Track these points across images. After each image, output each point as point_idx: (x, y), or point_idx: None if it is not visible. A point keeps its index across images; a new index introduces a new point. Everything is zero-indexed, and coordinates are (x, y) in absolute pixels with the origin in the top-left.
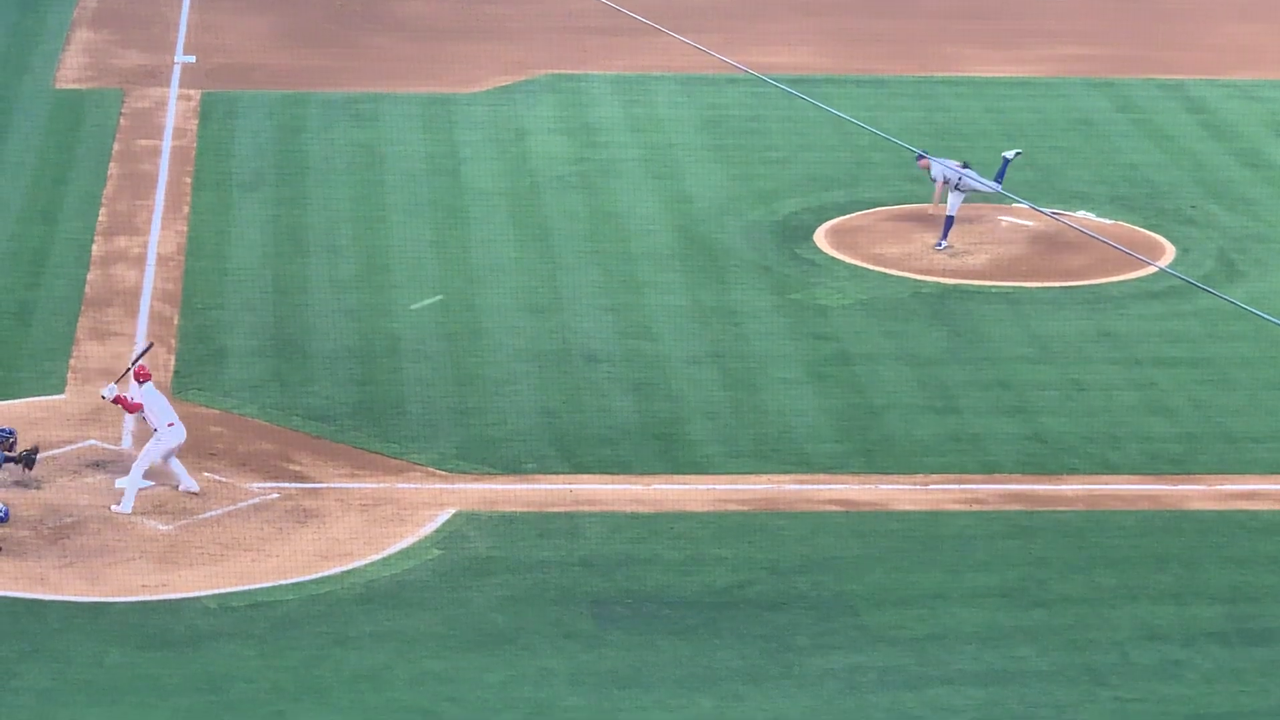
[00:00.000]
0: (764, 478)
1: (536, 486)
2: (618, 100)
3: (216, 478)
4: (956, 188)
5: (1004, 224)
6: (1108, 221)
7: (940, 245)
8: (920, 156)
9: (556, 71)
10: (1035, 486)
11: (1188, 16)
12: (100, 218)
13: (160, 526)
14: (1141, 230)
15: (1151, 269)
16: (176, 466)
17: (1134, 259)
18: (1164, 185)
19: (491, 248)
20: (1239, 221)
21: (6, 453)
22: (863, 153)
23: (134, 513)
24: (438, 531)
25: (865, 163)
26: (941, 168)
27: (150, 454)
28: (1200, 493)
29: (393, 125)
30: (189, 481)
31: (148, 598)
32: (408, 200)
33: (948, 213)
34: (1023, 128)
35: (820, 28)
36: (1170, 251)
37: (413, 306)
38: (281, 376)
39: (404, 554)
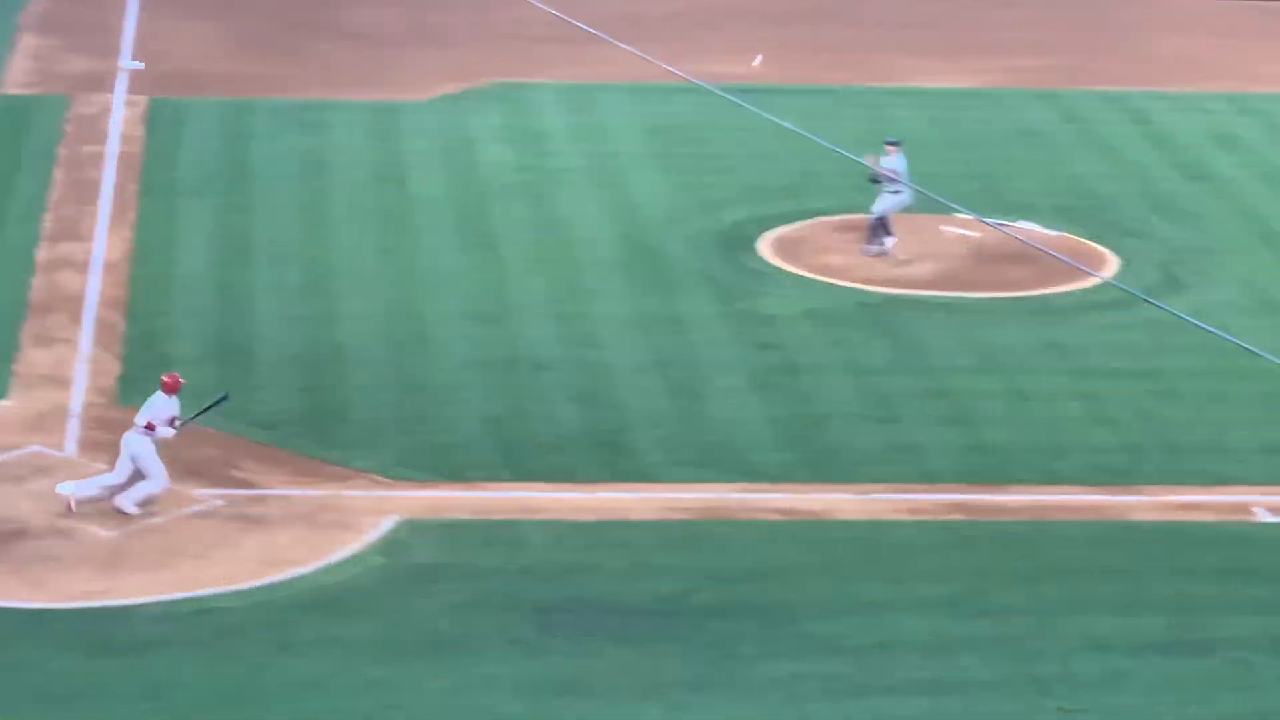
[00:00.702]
0: (708, 486)
1: (481, 494)
2: (564, 109)
3: None
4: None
5: (947, 234)
6: (1052, 232)
7: (877, 247)
8: (890, 143)
9: (504, 80)
10: (978, 497)
11: (1132, 28)
12: (45, 223)
13: (104, 532)
14: (1086, 241)
15: (1095, 280)
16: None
17: (1078, 270)
18: (1108, 197)
19: (438, 256)
20: (1182, 233)
21: None
22: (808, 162)
23: (78, 519)
24: (382, 539)
25: (810, 172)
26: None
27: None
28: (1144, 504)
29: (340, 133)
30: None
31: (91, 604)
32: (354, 208)
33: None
34: (967, 138)
35: (766, 38)
36: (1114, 263)
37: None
38: (227, 383)
39: (348, 561)
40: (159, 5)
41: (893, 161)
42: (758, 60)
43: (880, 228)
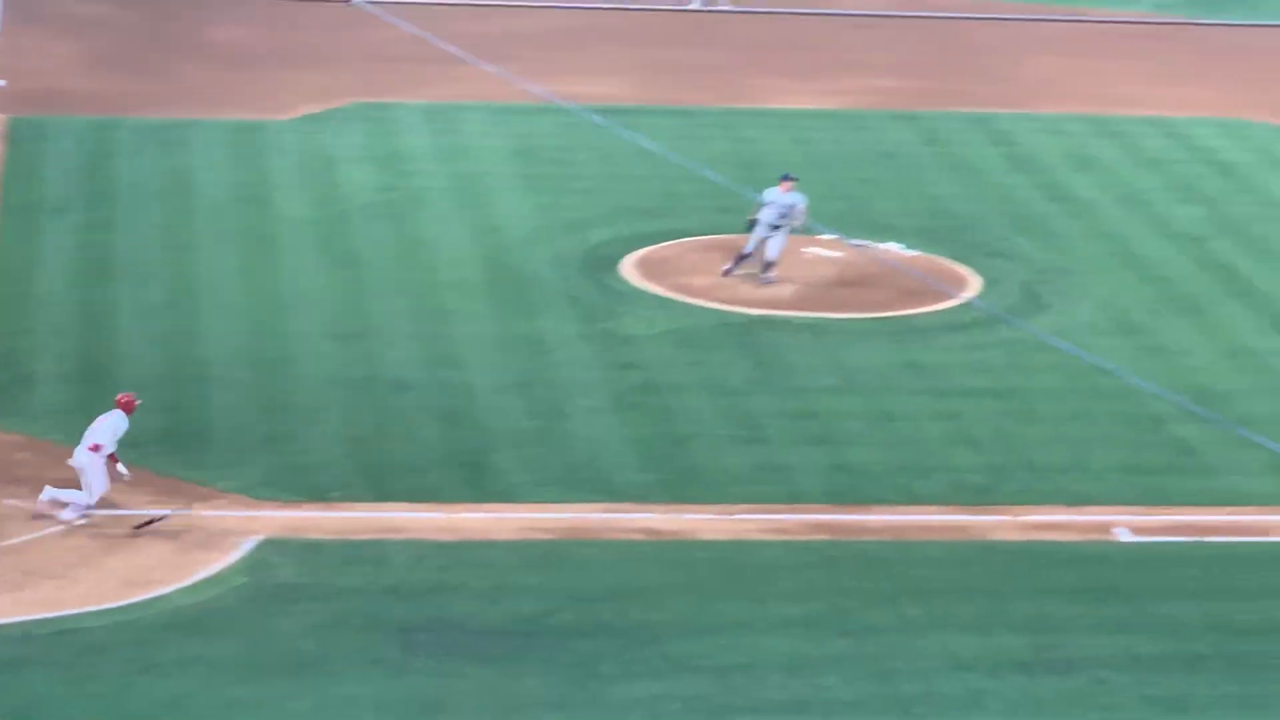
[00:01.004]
0: (570, 506)
1: (344, 514)
2: (427, 129)
3: (21, 504)
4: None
5: (810, 255)
6: (914, 253)
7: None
8: (785, 179)
9: (366, 100)
10: (841, 516)
11: (993, 50)
12: None
13: None
14: (947, 262)
15: (957, 301)
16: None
17: (940, 291)
18: (969, 218)
19: (300, 275)
20: (1042, 254)
21: None
22: (670, 183)
23: None
24: (244, 559)
25: (673, 193)
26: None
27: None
28: (1005, 523)
29: (202, 152)
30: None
31: None
32: (217, 227)
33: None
34: (829, 159)
35: (629, 59)
36: (976, 283)
37: None
38: (88, 403)
39: (210, 581)
40: (20, 23)
41: (791, 197)
42: None
43: (754, 258)
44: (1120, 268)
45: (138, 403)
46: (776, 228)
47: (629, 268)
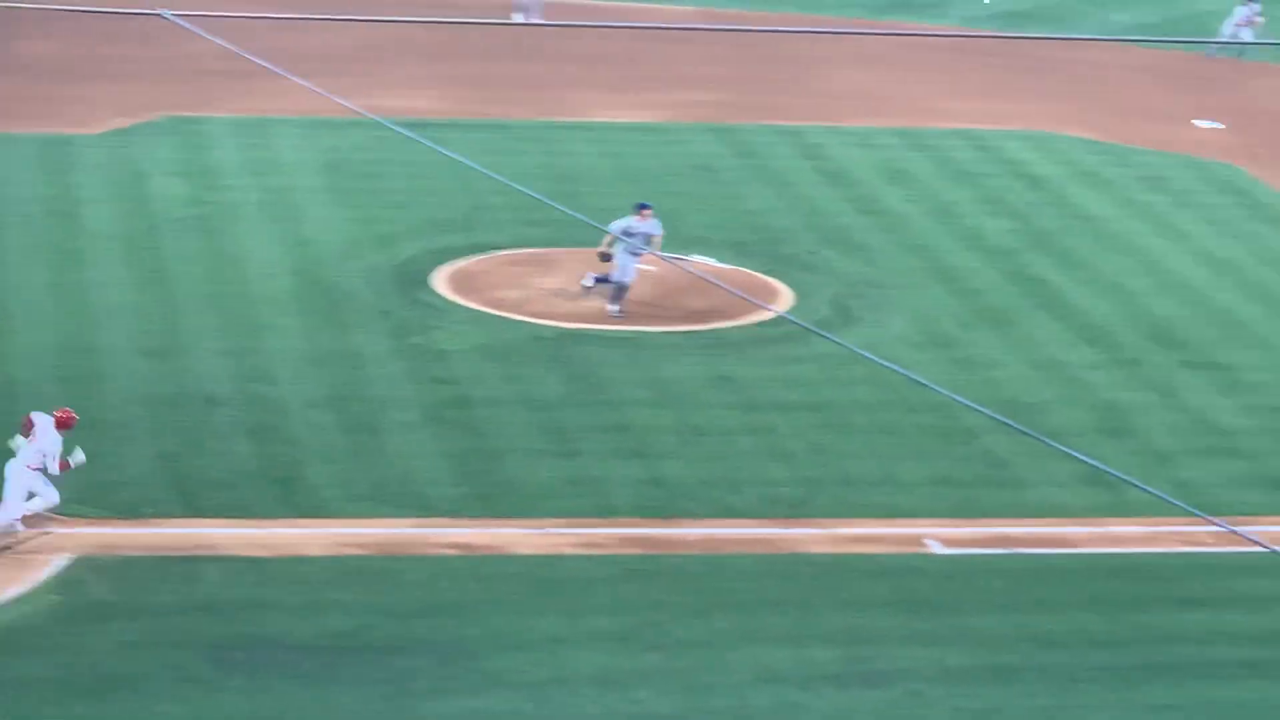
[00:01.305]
0: (384, 521)
1: (155, 530)
2: (237, 143)
3: None
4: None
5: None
6: (726, 266)
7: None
8: (644, 207)
9: (176, 114)
10: (654, 530)
11: (805, 63)
12: None
13: None
14: (760, 275)
15: (769, 314)
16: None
17: (752, 304)
18: (782, 231)
19: (109, 290)
20: (855, 267)
21: None
22: (482, 197)
23: None
24: (55, 576)
25: (484, 207)
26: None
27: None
28: (817, 536)
29: (8, 166)
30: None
31: None
32: (24, 242)
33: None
34: (641, 172)
35: (444, 73)
36: (788, 297)
37: None
38: None
39: (20, 599)
40: None
41: (649, 225)
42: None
43: (613, 284)
44: (931, 280)
45: (75, 419)
46: (635, 255)
47: (441, 282)
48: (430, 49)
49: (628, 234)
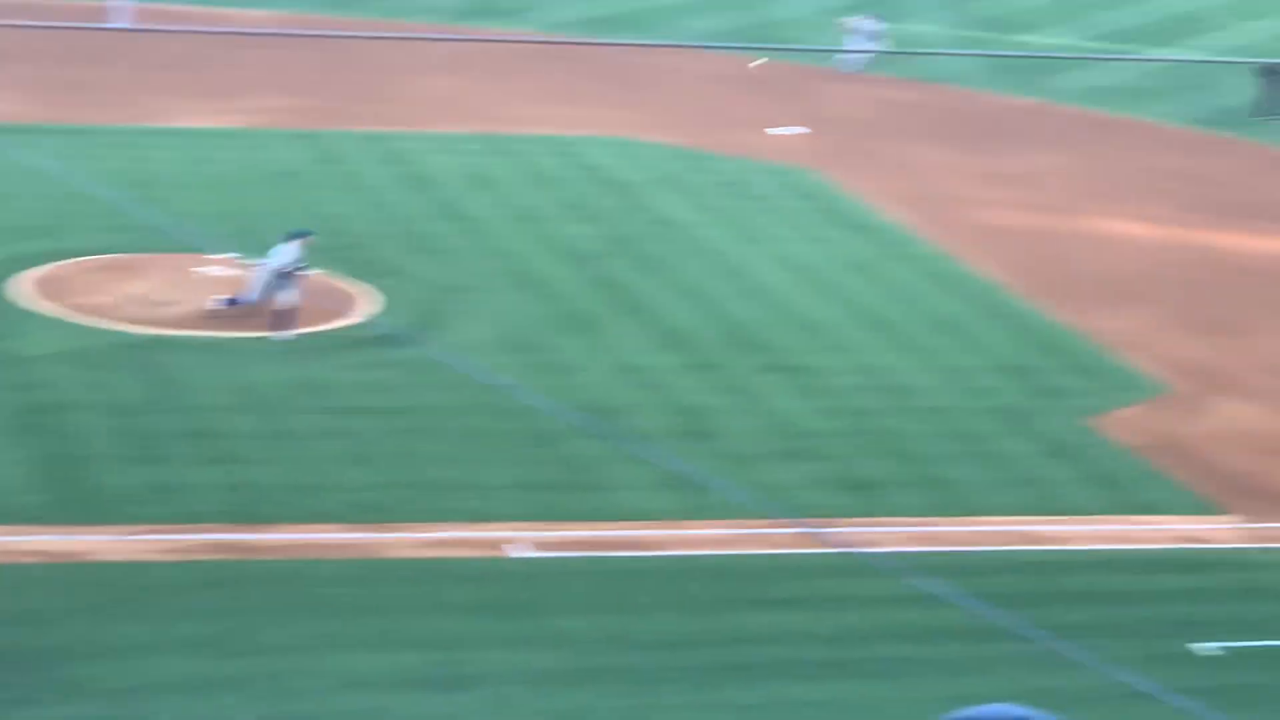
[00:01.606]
0: None
1: None
2: None
3: None
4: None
5: (199, 275)
6: (312, 272)
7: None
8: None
9: None
10: (239, 536)
11: (391, 70)
12: None
13: None
14: (344, 280)
15: (354, 320)
16: None
17: (337, 310)
18: (367, 236)
19: None
20: (439, 272)
21: None
22: (62, 202)
23: None
24: None
25: (66, 212)
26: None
27: None
28: (401, 541)
29: None
30: None
31: None
32: None
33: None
34: (224, 178)
35: (26, 76)
36: (373, 302)
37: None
38: None
39: None
40: None
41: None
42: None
43: (285, 314)
44: (514, 285)
45: None
46: (285, 277)
47: (22, 287)
48: (15, 52)
49: (283, 258)
